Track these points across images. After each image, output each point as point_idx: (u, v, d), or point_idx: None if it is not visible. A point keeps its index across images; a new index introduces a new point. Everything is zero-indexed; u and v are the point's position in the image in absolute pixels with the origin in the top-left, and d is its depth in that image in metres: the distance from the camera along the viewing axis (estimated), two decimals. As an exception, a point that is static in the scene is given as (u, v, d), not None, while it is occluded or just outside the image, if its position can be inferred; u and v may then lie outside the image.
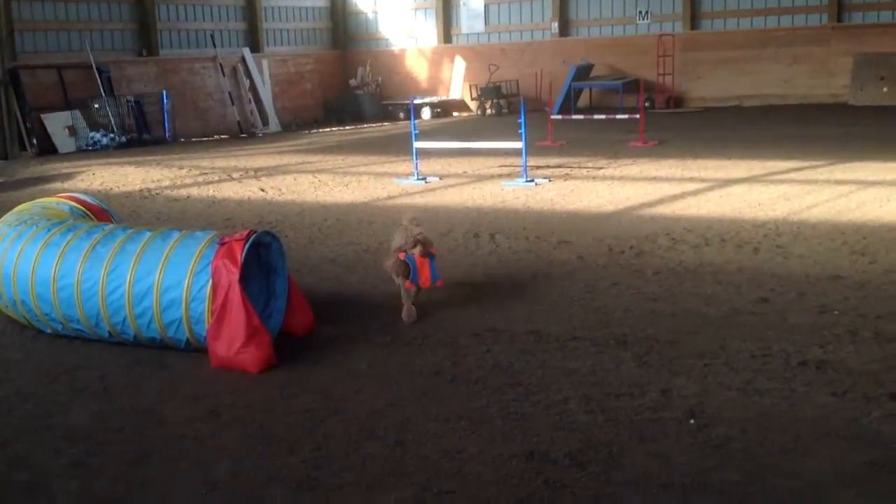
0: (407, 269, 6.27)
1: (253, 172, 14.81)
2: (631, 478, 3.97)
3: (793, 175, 11.97)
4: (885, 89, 19.80)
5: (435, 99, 24.94)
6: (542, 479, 3.97)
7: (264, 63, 23.82)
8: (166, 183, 13.89)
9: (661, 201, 10.60)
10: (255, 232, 5.82)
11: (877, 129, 15.94)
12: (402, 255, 6.27)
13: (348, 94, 25.33)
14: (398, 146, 16.56)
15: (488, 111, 23.50)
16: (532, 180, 12.27)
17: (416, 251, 6.22)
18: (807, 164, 12.60)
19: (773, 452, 4.15)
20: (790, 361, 5.28)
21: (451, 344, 5.90)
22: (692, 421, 4.51)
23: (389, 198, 11.86)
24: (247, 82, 23.14)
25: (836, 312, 6.12)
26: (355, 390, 5.17)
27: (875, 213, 9.22)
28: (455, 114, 24.92)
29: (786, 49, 21.31)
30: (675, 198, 10.78)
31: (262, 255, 6.08)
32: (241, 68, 23.20)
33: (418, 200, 11.48)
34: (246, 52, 23.45)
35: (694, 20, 22.69)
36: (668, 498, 3.78)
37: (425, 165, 13.72)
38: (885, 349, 5.37)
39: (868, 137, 14.78)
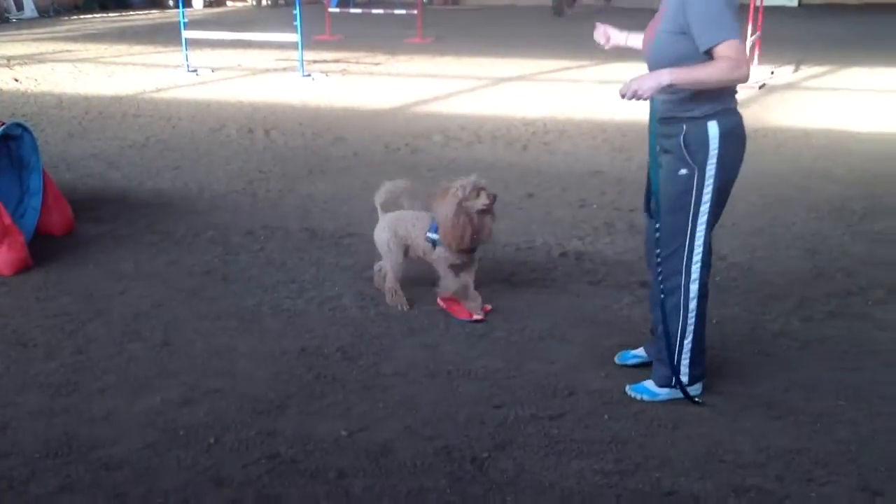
0: (475, 230, 4.48)
1: (5, 61, 13.63)
2: (400, 368, 4.08)
3: (561, 74, 12.39)
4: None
5: (207, -13, 23.77)
6: (313, 374, 4.01)
7: (14, -60, 21.74)
8: None
9: (436, 98, 10.71)
10: (4, 124, 5.39)
11: (638, 29, 16.70)
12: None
13: (112, -21, 23.65)
14: (167, 36, 15.73)
15: (264, 2, 22.69)
16: (309, 75, 12.04)
17: (481, 201, 4.44)
18: (575, 63, 13.06)
19: (533, 339, 4.38)
20: (552, 253, 5.55)
21: (223, 243, 5.77)
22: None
23: (157, 90, 11.29)
24: (-5, -39, 21.08)
25: (594, 206, 6.47)
26: (119, 291, 4.97)
27: (633, 112, 9.71)
28: (229, 3, 23.88)
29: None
30: (450, 95, 10.92)
31: (13, 149, 5.65)
32: (-13, -55, 21.06)
33: (188, 94, 11.00)
34: (-8, -74, 21.27)
35: (472, -84, 22.68)
36: (434, 385, 3.92)
37: (196, 57, 13.14)
38: (637, 240, 5.74)
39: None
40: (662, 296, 3.67)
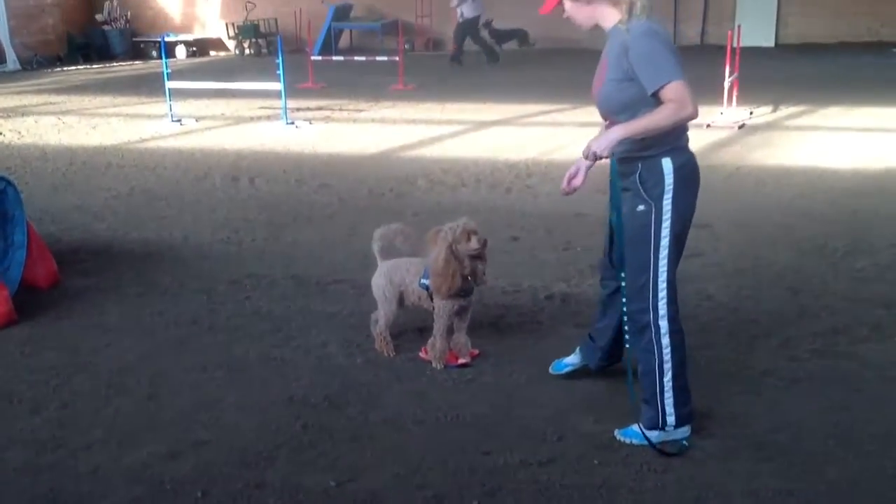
0: (465, 275, 4.43)
1: (-13, 114, 13.66)
2: (388, 416, 4.06)
3: (542, 118, 12.49)
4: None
5: (190, 37, 23.89)
6: (300, 424, 3.99)
7: (-2, -6, 21.88)
8: None
9: (420, 143, 10.77)
10: (-13, 179, 5.39)
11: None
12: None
13: (95, 30, 23.74)
14: (151, 86, 15.82)
15: (247, 51, 22.83)
16: (293, 122, 12.11)
17: (472, 245, 4.40)
18: (554, 107, 13.17)
19: (521, 383, 4.37)
20: (538, 296, 5.57)
21: (209, 292, 5.76)
22: (447, 358, 4.66)
23: (141, 140, 11.32)
24: (-22, 15, 21.18)
25: (578, 249, 6.50)
26: (105, 344, 4.95)
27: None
28: (212, 53, 24.04)
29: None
30: (433, 140, 10.98)
31: (-4, 203, 5.64)
32: (-30, -1, 21.18)
33: (173, 143, 11.03)
34: (-24, -19, 21.41)
35: (451, -37, 22.94)
36: (423, 432, 3.91)
37: (180, 107, 13.20)
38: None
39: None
40: (631, 335, 3.77)
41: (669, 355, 3.67)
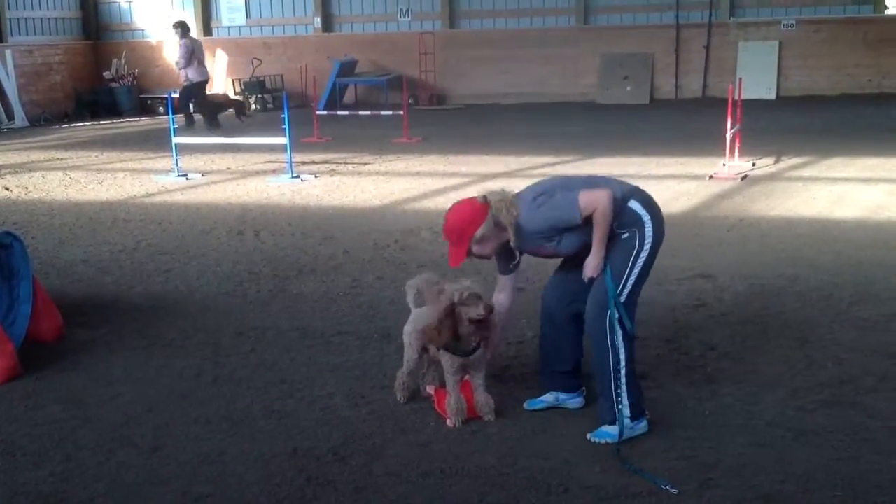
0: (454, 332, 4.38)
1: (-5, 169, 13.77)
2: (392, 468, 4.04)
3: (546, 169, 12.56)
4: (628, 88, 21.19)
5: (197, 93, 24.15)
6: (304, 477, 3.97)
7: (7, 54, 22.17)
8: None
9: (424, 196, 10.83)
10: (-6, 233, 5.44)
11: (621, 125, 17.04)
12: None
13: (103, 88, 24.00)
14: (157, 141, 15.95)
15: (253, 106, 23.07)
16: (298, 176, 12.19)
17: (479, 312, 4.32)
18: (559, 159, 13.26)
19: (526, 434, 4.35)
20: (543, 347, 5.55)
21: (214, 344, 5.77)
22: (452, 410, 4.63)
23: (148, 195, 11.39)
24: (-12, 73, 21.45)
25: (584, 299, 6.49)
26: (110, 397, 4.94)
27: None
28: (218, 108, 24.26)
29: (539, 49, 22.29)
30: (437, 192, 11.04)
31: (3, 258, 5.68)
32: (-20, 58, 21.47)
33: (179, 198, 11.10)
34: (-14, 40, 21.73)
35: (453, 19, 23.26)
36: (427, 484, 3.88)
37: (187, 161, 13.30)
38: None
39: (612, 134, 15.79)
40: (590, 333, 4.30)
41: (624, 356, 4.17)
